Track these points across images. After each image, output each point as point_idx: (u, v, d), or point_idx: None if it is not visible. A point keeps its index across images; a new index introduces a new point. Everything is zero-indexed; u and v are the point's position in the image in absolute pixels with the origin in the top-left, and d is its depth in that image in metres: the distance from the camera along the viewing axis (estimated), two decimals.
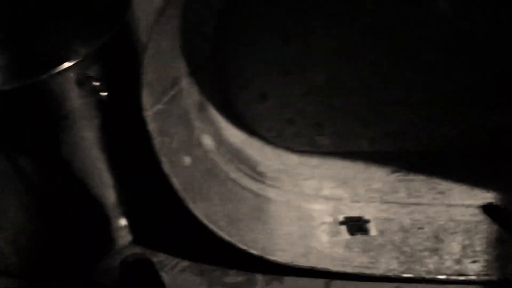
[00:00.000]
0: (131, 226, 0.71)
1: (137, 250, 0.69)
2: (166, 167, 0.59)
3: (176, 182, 0.60)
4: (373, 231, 0.68)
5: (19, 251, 0.69)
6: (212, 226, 0.64)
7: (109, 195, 0.67)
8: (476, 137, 0.74)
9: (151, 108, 0.56)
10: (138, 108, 0.56)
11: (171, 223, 0.69)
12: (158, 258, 0.70)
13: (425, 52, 0.70)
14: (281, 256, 0.65)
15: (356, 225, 0.68)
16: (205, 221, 0.64)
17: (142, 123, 0.56)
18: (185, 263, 0.70)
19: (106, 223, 0.68)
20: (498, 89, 0.72)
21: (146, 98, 0.56)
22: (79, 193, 0.66)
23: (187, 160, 0.63)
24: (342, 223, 0.69)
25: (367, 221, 0.69)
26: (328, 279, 0.66)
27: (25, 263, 0.70)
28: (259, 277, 0.68)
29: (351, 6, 0.69)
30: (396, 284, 0.64)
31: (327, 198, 0.72)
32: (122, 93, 0.59)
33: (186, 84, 0.64)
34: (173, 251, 0.71)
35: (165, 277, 0.67)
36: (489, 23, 0.68)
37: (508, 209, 0.68)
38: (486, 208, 0.69)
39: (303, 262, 0.65)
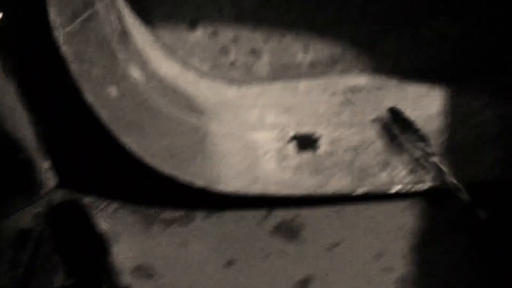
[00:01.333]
0: (56, 167, 0.64)
1: (64, 193, 0.62)
2: (89, 97, 0.52)
3: (103, 114, 0.53)
4: (323, 147, 0.64)
5: None
6: (150, 160, 0.59)
7: (28, 136, 0.60)
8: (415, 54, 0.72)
9: (62, 29, 0.49)
10: (48, 30, 0.49)
11: (99, 161, 0.63)
12: (88, 200, 0.64)
13: None
14: (226, 186, 0.61)
15: (306, 142, 0.64)
16: (142, 155, 0.58)
17: (55, 47, 0.49)
18: (117, 204, 0.65)
19: (27, 166, 0.61)
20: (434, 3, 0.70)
21: (55, 17, 0.49)
22: None
23: (113, 91, 0.56)
24: (292, 139, 0.65)
25: (317, 138, 0.65)
26: (268, 207, 0.62)
27: None
28: (198, 213, 0.63)
29: None
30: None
31: (271, 126, 0.67)
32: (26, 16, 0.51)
33: (102, 8, 0.57)
34: (103, 192, 0.65)
35: (97, 218, 0.61)
36: None
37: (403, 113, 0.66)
38: (391, 110, 0.66)
39: (251, 190, 0.61)
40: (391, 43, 0.70)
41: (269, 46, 0.69)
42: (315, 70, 0.71)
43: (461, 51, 0.70)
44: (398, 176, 0.61)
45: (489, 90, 0.67)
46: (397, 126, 0.64)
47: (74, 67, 0.51)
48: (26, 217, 0.64)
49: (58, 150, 0.62)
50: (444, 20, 0.69)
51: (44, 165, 0.63)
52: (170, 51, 0.67)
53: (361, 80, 0.71)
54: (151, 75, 0.63)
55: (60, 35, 0.49)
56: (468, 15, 0.68)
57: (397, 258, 0.57)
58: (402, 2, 0.68)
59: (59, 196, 0.63)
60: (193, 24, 0.67)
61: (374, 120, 0.66)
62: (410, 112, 0.66)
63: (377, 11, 0.69)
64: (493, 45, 0.70)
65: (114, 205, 0.65)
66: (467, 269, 0.55)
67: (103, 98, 0.54)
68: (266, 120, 0.68)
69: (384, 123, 0.65)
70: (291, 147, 0.65)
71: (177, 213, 0.63)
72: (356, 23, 0.69)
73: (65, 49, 0.50)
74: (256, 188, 0.61)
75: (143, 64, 0.63)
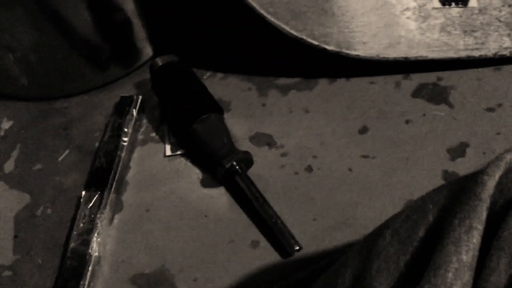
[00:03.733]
0: (154, 36, 0.58)
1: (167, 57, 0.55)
2: None
3: None
4: (472, 2, 0.54)
5: (29, 72, 0.56)
6: (273, 19, 0.50)
7: (128, 2, 0.53)
8: None
9: None
10: None
11: (201, 25, 0.55)
12: (193, 66, 0.57)
13: None
14: (362, 49, 0.52)
15: None
16: (262, 11, 0.50)
17: None
18: (225, 71, 0.57)
19: (125, 31, 0.55)
20: None
21: None
22: (93, 1, 0.52)
23: None
24: None
25: None
26: (405, 71, 0.53)
27: (36, 84, 0.58)
28: (319, 79, 0.55)
29: None
30: None
31: None
32: None
33: None
34: (207, 60, 0.58)
35: (205, 83, 0.54)
36: None
37: None
38: None
39: (392, 53, 0.52)
40: None
41: None
42: None
43: None
44: None
45: None
46: None
47: None
48: (127, 84, 0.59)
49: (158, 17, 0.55)
50: None
51: (142, 33, 0.57)
52: None
53: None
54: None
55: None
56: None
57: None
58: None
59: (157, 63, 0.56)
60: None
61: None
62: None
63: None
64: None
65: (221, 74, 0.58)
66: None
67: None
68: None
69: None
70: (434, 3, 0.55)
71: (296, 79, 0.56)
72: None
73: None
74: (397, 51, 0.52)
75: None
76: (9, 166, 0.54)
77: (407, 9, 0.55)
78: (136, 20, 0.56)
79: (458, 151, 0.47)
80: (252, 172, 0.48)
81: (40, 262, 0.46)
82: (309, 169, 0.48)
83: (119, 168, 0.50)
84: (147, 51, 0.59)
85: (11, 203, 0.50)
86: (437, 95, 0.51)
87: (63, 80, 0.58)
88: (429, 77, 0.53)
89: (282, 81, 0.56)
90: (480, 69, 0.52)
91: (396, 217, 0.28)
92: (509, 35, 0.52)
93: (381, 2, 0.55)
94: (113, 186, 0.48)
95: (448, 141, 0.48)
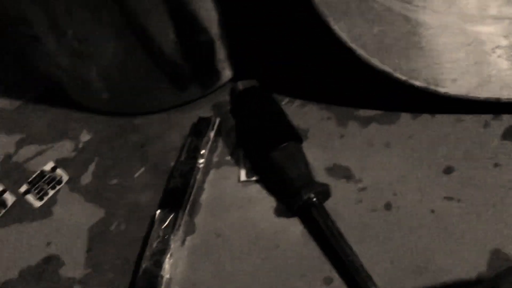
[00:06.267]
0: (235, 59, 0.58)
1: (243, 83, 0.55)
2: None
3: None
4: None
5: (111, 86, 0.57)
6: (360, 51, 0.49)
7: (213, 20, 0.54)
8: None
9: None
10: None
11: (284, 53, 0.54)
12: (273, 91, 0.57)
13: None
14: (451, 87, 0.50)
15: None
16: (351, 44, 0.49)
17: None
18: (304, 99, 0.57)
19: (207, 52, 0.55)
20: None
21: None
22: (179, 21, 0.52)
23: None
24: None
25: None
26: (495, 112, 0.51)
27: (116, 99, 0.59)
28: (402, 113, 0.53)
29: None
30: None
31: (496, 18, 0.55)
32: None
33: None
34: (287, 87, 0.58)
35: (283, 111, 0.53)
36: None
37: None
38: None
39: (483, 93, 0.50)
40: None
41: None
42: None
43: None
44: None
45: None
46: None
47: None
48: (205, 105, 0.59)
49: (241, 40, 0.55)
50: None
51: (223, 55, 0.57)
52: None
53: None
54: None
55: None
56: None
57: None
58: None
59: (238, 87, 0.56)
60: None
61: None
62: None
63: None
64: None
65: (300, 101, 0.57)
66: None
67: None
68: (488, 10, 0.56)
69: None
70: None
71: (378, 111, 0.54)
72: None
73: None
74: (487, 91, 0.50)
75: None
76: (85, 179, 0.55)
77: (498, 47, 0.52)
78: (219, 42, 0.56)
79: None
80: (327, 205, 0.46)
81: (110, 278, 0.46)
82: (388, 207, 0.46)
83: (194, 190, 0.50)
84: (227, 73, 0.59)
85: (86, 216, 0.51)
86: None
87: (143, 97, 0.59)
88: None
89: (363, 112, 0.54)
90: None
91: None
92: None
93: (471, 38, 0.53)
94: (187, 208, 0.48)
95: None
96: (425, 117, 0.53)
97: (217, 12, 0.53)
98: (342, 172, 0.50)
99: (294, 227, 0.47)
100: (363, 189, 0.48)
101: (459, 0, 0.56)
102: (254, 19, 0.58)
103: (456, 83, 0.50)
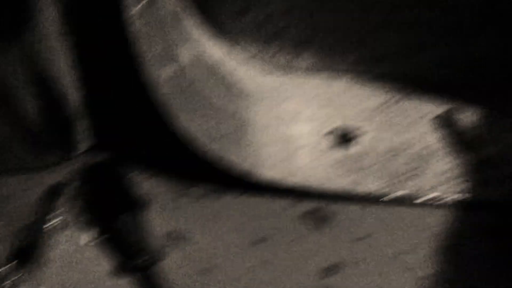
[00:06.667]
0: (96, 129, 0.67)
1: (101, 154, 0.66)
2: (144, 77, 0.54)
3: (155, 94, 0.56)
4: (360, 146, 0.66)
5: None
6: (193, 142, 0.61)
7: (74, 95, 0.62)
8: (457, 65, 0.73)
9: (130, 8, 0.51)
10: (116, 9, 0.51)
11: (140, 131, 0.65)
12: (122, 164, 0.68)
13: None
14: (265, 174, 0.63)
15: (343, 138, 0.66)
16: (187, 136, 0.60)
17: (119, 25, 0.52)
18: (151, 171, 0.68)
19: (68, 122, 0.64)
20: (483, 16, 0.70)
21: None
22: (40, 87, 0.61)
23: (165, 72, 0.58)
24: (329, 134, 0.67)
25: (355, 136, 0.67)
26: (299, 196, 0.65)
27: None
28: (228, 191, 0.66)
29: None
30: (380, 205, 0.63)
31: (309, 119, 0.69)
32: None
33: None
34: (138, 160, 0.68)
35: (131, 181, 0.65)
36: None
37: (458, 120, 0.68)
38: (441, 117, 0.68)
39: (287, 182, 0.63)
40: (437, 52, 0.72)
41: (316, 39, 0.71)
42: (359, 67, 0.73)
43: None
44: (426, 187, 0.63)
45: None
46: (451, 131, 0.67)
47: (135, 47, 0.53)
48: (62, 172, 0.67)
49: (101, 112, 0.65)
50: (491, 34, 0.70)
51: (84, 125, 0.65)
52: (219, 33, 0.69)
53: (401, 83, 0.73)
54: (199, 58, 0.65)
55: (128, 14, 0.51)
56: None
57: (420, 259, 0.59)
58: (451, 12, 0.69)
59: (95, 156, 0.66)
60: (245, 10, 0.69)
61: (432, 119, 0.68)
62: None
63: (423, 21, 0.70)
64: None
65: (147, 174, 0.68)
66: (493, 276, 0.57)
67: (155, 79, 0.56)
68: (304, 112, 0.70)
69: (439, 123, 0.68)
70: (328, 142, 0.67)
71: (207, 190, 0.66)
72: (403, 29, 0.71)
73: (130, 29, 0.52)
74: (291, 181, 0.63)
75: (193, 47, 0.64)
76: None
77: (307, 144, 0.66)
78: (79, 115, 0.64)
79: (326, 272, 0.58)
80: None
81: None
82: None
83: (40, 249, 0.58)
84: (86, 142, 0.68)
85: None
86: (320, 220, 0.63)
87: (5, 156, 0.65)
88: (315, 205, 0.64)
89: (197, 190, 0.66)
90: (357, 203, 0.64)
91: None
92: (380, 179, 0.64)
93: (287, 135, 0.67)
94: (33, 265, 0.57)
95: (321, 262, 0.59)
96: (244, 197, 0.65)
97: (75, 89, 0.62)
98: (179, 236, 0.61)
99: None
100: (196, 251, 0.60)
101: (283, 101, 0.70)
102: (111, 99, 0.67)
103: (269, 172, 0.63)
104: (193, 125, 0.61)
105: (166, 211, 0.64)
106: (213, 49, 0.68)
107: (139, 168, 0.68)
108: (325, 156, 0.66)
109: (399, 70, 0.72)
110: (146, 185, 0.66)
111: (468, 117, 0.69)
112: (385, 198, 0.63)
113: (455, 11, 0.68)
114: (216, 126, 0.63)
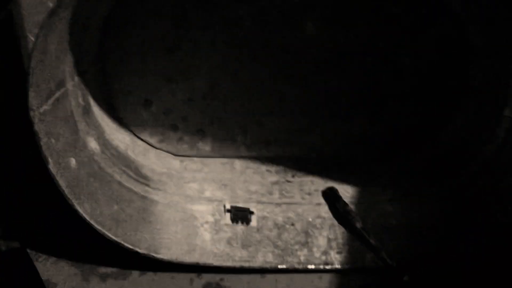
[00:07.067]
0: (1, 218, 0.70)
1: (7, 243, 0.69)
2: (52, 168, 0.59)
3: (62, 183, 0.61)
4: (253, 222, 0.74)
5: None
6: (98, 227, 0.66)
7: None
8: (336, 144, 0.83)
9: (37, 109, 0.57)
10: (23, 109, 0.56)
11: (45, 217, 0.70)
12: (31, 250, 0.71)
13: (297, 68, 0.78)
14: (166, 254, 0.69)
15: (239, 217, 0.74)
16: (92, 222, 0.65)
17: (27, 123, 0.57)
18: (57, 256, 0.71)
19: None
20: (358, 102, 0.82)
21: (33, 99, 0.56)
22: None
23: (72, 161, 0.63)
24: (226, 213, 0.74)
25: (251, 212, 0.75)
26: (199, 271, 0.71)
27: None
28: (134, 270, 0.71)
29: (230, 24, 0.74)
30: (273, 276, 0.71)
31: (209, 200, 0.76)
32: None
33: (71, 86, 0.65)
34: (44, 245, 0.72)
35: (39, 266, 0.68)
36: (352, 42, 0.78)
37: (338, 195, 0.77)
38: (324, 193, 0.78)
39: (187, 259, 0.69)
40: (318, 134, 0.82)
41: (213, 127, 0.79)
42: (251, 151, 0.81)
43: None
44: (315, 255, 0.72)
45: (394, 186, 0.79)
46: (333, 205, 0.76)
47: (43, 142, 0.58)
48: None
49: (6, 203, 0.68)
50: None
51: None
52: (125, 123, 0.76)
53: (289, 164, 0.83)
54: (105, 146, 0.71)
55: (35, 115, 0.56)
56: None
57: None
58: (329, 100, 0.80)
59: (1, 245, 0.69)
60: (148, 102, 0.76)
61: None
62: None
63: (308, 107, 0.81)
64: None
65: (54, 258, 0.71)
66: None
67: (63, 169, 0.61)
68: (205, 193, 0.77)
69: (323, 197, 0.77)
70: (225, 220, 0.74)
71: (114, 269, 0.71)
72: (289, 115, 0.81)
73: (38, 128, 0.57)
74: (191, 257, 0.70)
75: (100, 136, 0.71)
76: None
77: (206, 222, 0.73)
78: None
79: None
80: None
81: None
82: None
83: None
84: None
85: None
86: None
87: None
88: (215, 278, 0.71)
89: (104, 269, 0.71)
90: (251, 275, 0.71)
91: None
92: (273, 252, 0.72)
93: (188, 215, 0.74)
94: None
95: None
96: (149, 274, 0.71)
97: None
98: None
99: None
100: None
101: (184, 184, 0.77)
102: (17, 188, 0.71)
103: (170, 250, 0.69)
104: (99, 209, 0.67)
105: None
106: (118, 138, 0.75)
107: (46, 253, 0.71)
108: (224, 232, 0.73)
109: (287, 152, 0.82)
110: (54, 268, 0.70)
111: (347, 191, 0.79)
112: (279, 267, 0.71)
113: (332, 100, 0.79)
114: (121, 210, 0.69)
